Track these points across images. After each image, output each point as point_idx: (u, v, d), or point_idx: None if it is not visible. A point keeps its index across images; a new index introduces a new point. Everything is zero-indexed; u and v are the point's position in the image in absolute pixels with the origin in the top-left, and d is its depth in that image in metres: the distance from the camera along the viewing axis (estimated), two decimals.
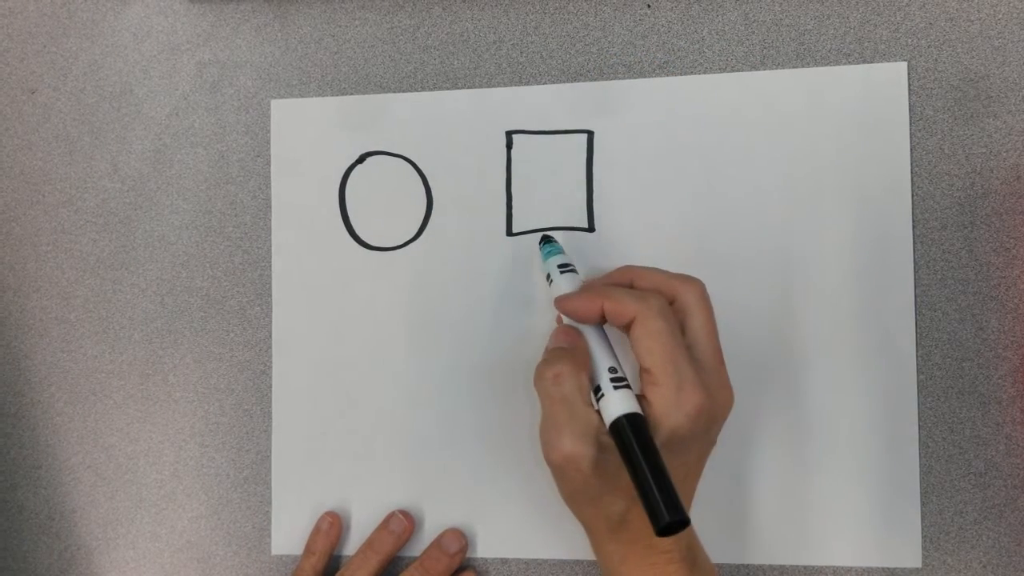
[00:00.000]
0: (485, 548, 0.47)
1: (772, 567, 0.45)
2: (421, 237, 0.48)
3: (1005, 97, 0.45)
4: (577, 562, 0.47)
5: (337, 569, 0.48)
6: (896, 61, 0.45)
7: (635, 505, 0.37)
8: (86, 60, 0.51)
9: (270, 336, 0.49)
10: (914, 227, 0.45)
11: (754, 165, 0.46)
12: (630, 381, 0.38)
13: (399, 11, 0.49)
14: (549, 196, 0.47)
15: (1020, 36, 0.45)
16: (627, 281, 0.41)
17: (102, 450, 0.50)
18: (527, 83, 0.48)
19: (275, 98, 0.49)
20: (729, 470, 0.45)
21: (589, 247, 0.47)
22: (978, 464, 0.44)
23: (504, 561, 0.47)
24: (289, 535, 0.48)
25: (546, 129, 0.47)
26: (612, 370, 0.38)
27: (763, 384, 0.45)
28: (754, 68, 0.46)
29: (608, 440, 0.37)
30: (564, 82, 0.48)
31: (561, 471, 0.38)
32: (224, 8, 0.50)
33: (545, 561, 0.47)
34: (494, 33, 0.48)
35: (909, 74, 0.45)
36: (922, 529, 0.44)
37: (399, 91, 0.49)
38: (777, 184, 0.46)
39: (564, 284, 0.42)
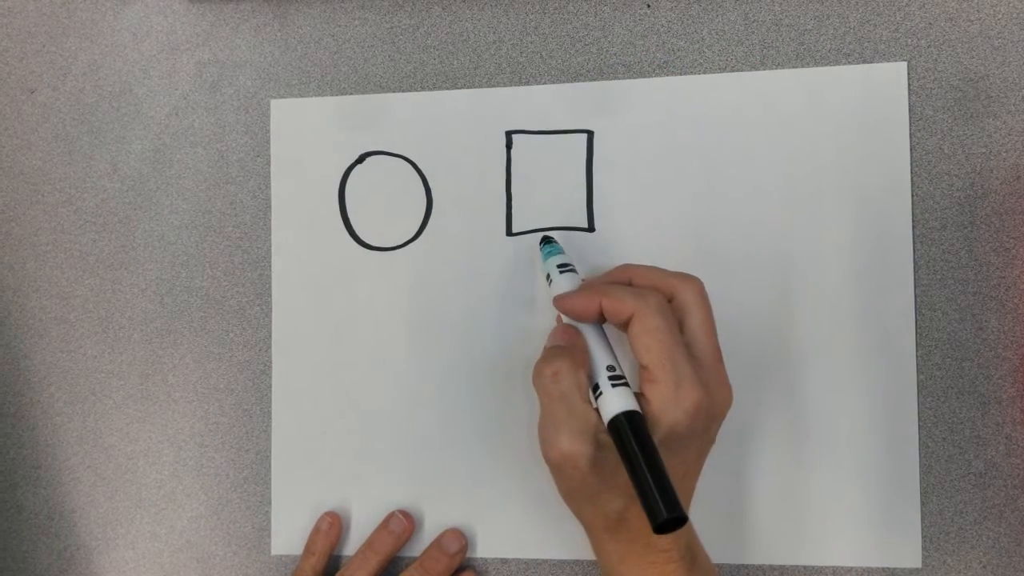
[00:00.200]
0: (485, 548, 0.47)
1: (772, 567, 0.45)
2: (421, 237, 0.48)
3: (1005, 97, 0.45)
4: (577, 562, 0.47)
5: (337, 569, 0.48)
6: (896, 61, 0.45)
7: (633, 503, 0.37)
8: (85, 60, 0.51)
9: (270, 336, 0.49)
10: (914, 227, 0.45)
11: (754, 165, 0.46)
12: (629, 380, 0.38)
13: (399, 11, 0.49)
14: (549, 196, 0.47)
15: (1020, 36, 0.45)
16: (625, 279, 0.41)
17: (102, 450, 0.50)
18: (527, 83, 0.48)
19: (275, 98, 0.49)
20: (729, 469, 0.45)
21: (589, 247, 0.47)
22: (978, 464, 0.44)
23: (504, 561, 0.47)
24: (289, 535, 0.48)
25: (546, 129, 0.47)
26: (610, 368, 0.38)
27: (763, 383, 0.45)
28: (754, 68, 0.46)
29: (606, 438, 0.37)
30: (564, 82, 0.48)
31: (559, 469, 0.38)
32: (224, 8, 0.50)
33: (545, 561, 0.47)
34: (494, 33, 0.48)
35: (909, 74, 0.45)
36: (922, 529, 0.44)
37: (399, 91, 0.49)
38: (777, 184, 0.46)
39: (563, 284, 0.42)
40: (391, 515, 0.47)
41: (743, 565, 0.45)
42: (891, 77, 0.45)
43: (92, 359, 0.50)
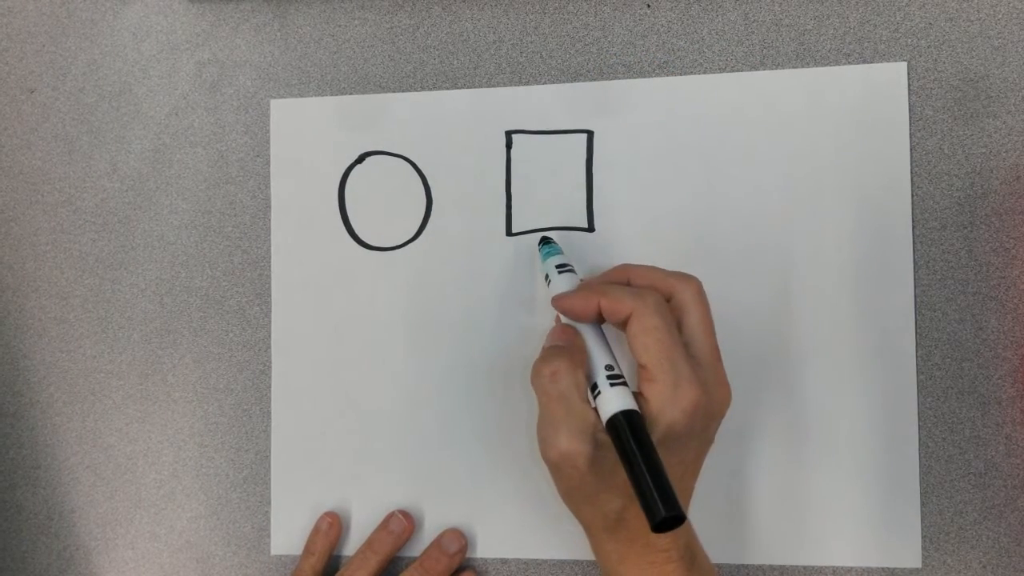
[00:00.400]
0: (485, 548, 0.47)
1: (771, 567, 0.45)
2: (421, 237, 0.48)
3: (1005, 97, 0.45)
4: (577, 562, 0.46)
5: (336, 569, 0.48)
6: (896, 61, 0.45)
7: (632, 503, 0.37)
8: (85, 60, 0.51)
9: (269, 336, 0.49)
10: (914, 227, 0.45)
11: (754, 165, 0.46)
12: (627, 380, 0.38)
13: (399, 11, 0.49)
14: (549, 196, 0.47)
15: (1020, 36, 0.45)
16: (624, 279, 0.41)
17: (101, 450, 0.50)
18: (527, 83, 0.48)
19: (274, 98, 0.49)
20: (728, 469, 0.45)
21: (589, 247, 0.47)
22: (978, 464, 0.44)
23: (504, 561, 0.47)
24: (288, 535, 0.48)
25: (546, 129, 0.47)
26: (609, 368, 0.38)
27: (763, 384, 0.45)
28: (754, 68, 0.46)
29: (605, 438, 0.37)
30: (564, 82, 0.47)
31: (558, 468, 0.38)
32: (223, 8, 0.50)
33: (545, 561, 0.47)
34: (494, 33, 0.48)
35: (909, 74, 0.45)
36: (922, 529, 0.44)
37: (398, 91, 0.49)
38: (777, 184, 0.46)
39: (562, 284, 0.42)
40: (391, 515, 0.47)
41: (743, 565, 0.45)
42: (891, 77, 0.45)
43: (91, 359, 0.50)
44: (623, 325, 0.39)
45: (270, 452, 0.49)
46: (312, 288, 0.49)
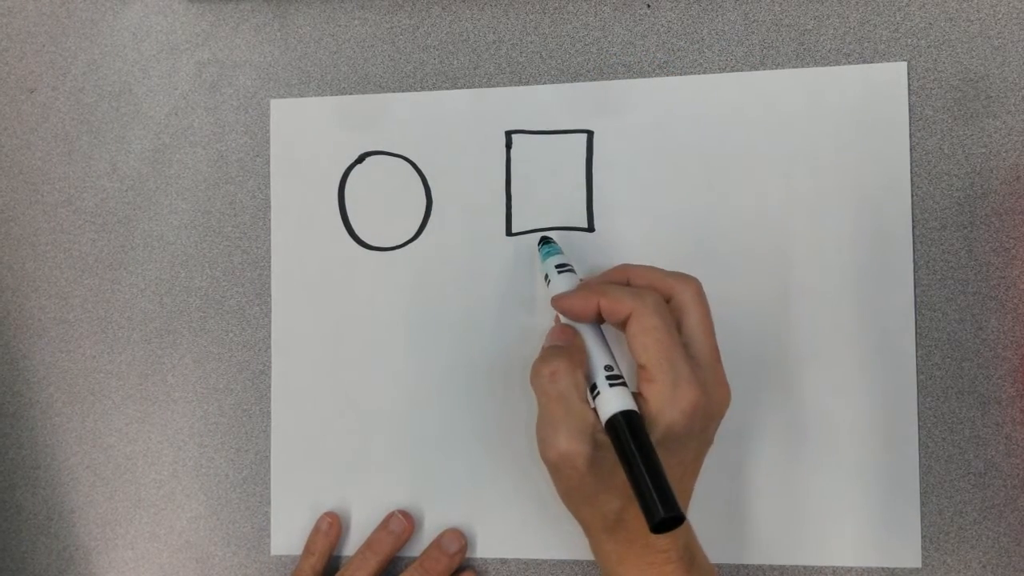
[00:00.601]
0: (484, 548, 0.47)
1: (771, 567, 0.45)
2: (421, 237, 0.48)
3: (1005, 97, 0.45)
4: (576, 562, 0.46)
5: (336, 569, 0.48)
6: (896, 61, 0.45)
7: (631, 504, 0.37)
8: (85, 60, 0.51)
9: (269, 336, 0.49)
10: (914, 227, 0.45)
11: (754, 165, 0.46)
12: (627, 380, 0.38)
13: (399, 11, 0.49)
14: (549, 196, 0.47)
15: (1020, 36, 0.45)
16: (623, 279, 0.41)
17: (101, 450, 0.50)
18: (527, 83, 0.48)
19: (274, 98, 0.49)
20: (728, 469, 0.45)
21: (589, 247, 0.47)
22: (978, 464, 0.44)
23: (503, 561, 0.47)
24: (288, 535, 0.48)
25: (546, 129, 0.47)
26: (608, 368, 0.38)
27: (762, 384, 0.45)
28: (754, 68, 0.46)
29: (604, 438, 0.37)
30: (564, 82, 0.47)
31: (557, 469, 0.38)
32: (223, 8, 0.50)
33: (544, 561, 0.47)
34: (494, 33, 0.48)
35: (909, 74, 0.45)
36: (922, 529, 0.44)
37: (398, 91, 0.49)
38: (777, 184, 0.46)
39: (561, 284, 0.42)
40: (391, 515, 0.47)
41: (743, 565, 0.45)
42: (891, 77, 0.45)
43: (91, 359, 0.50)
44: (622, 325, 0.39)
45: (270, 452, 0.49)
46: (312, 288, 0.49)
